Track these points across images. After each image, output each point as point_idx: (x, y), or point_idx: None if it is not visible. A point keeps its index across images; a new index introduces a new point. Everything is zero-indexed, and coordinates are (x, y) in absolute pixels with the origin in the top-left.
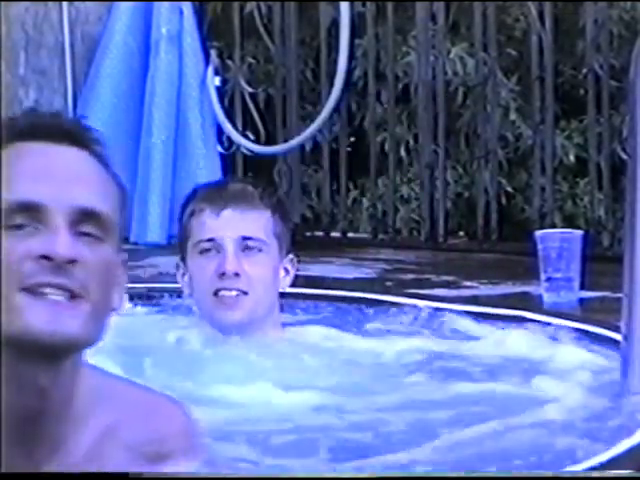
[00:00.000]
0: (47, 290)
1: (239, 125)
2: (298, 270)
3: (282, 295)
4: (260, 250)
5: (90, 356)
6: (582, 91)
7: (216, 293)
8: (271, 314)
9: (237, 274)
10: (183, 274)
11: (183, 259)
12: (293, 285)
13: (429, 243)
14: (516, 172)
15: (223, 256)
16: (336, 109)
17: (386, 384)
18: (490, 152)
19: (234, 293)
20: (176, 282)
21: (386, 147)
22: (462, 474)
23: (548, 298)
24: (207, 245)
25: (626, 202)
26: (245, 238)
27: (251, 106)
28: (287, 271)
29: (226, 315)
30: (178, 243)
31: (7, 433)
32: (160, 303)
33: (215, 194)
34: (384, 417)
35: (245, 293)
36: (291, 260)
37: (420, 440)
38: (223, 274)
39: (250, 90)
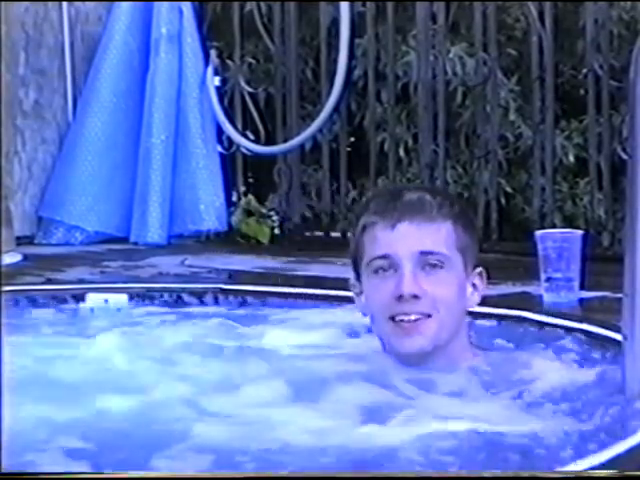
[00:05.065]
0: None
1: (239, 125)
2: (488, 286)
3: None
4: (442, 266)
5: None
6: (582, 91)
7: (393, 317)
8: (458, 338)
9: (416, 296)
10: (359, 294)
11: (358, 277)
12: (294, 286)
13: None
14: (516, 172)
15: (400, 276)
16: (336, 109)
17: None
18: (490, 152)
19: (413, 317)
20: (175, 282)
21: (386, 147)
22: (462, 474)
23: (548, 298)
24: (382, 263)
25: (626, 202)
26: (424, 253)
27: (251, 106)
28: (475, 287)
29: (404, 343)
30: (351, 259)
31: None
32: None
33: (388, 205)
34: None
35: (428, 316)
36: (479, 274)
37: None
38: (400, 297)
39: (250, 90)
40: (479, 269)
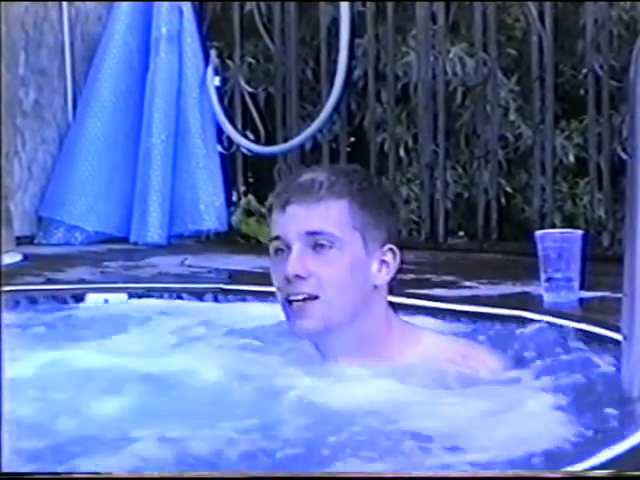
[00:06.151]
0: None
1: (239, 125)
2: (402, 262)
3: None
4: (332, 246)
5: None
6: (582, 91)
7: (287, 299)
8: (367, 317)
9: (300, 276)
10: None
11: None
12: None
13: (429, 243)
14: (516, 172)
15: (288, 257)
16: (336, 109)
17: None
18: (490, 152)
19: (301, 297)
20: (175, 282)
21: (386, 147)
22: (463, 474)
23: (548, 298)
24: (276, 244)
25: (626, 202)
26: (311, 233)
27: (251, 106)
28: (385, 263)
29: (296, 324)
30: None
31: None
32: None
33: (282, 188)
34: None
35: (315, 297)
36: (391, 250)
37: None
38: (287, 277)
39: (250, 90)
40: (388, 245)
